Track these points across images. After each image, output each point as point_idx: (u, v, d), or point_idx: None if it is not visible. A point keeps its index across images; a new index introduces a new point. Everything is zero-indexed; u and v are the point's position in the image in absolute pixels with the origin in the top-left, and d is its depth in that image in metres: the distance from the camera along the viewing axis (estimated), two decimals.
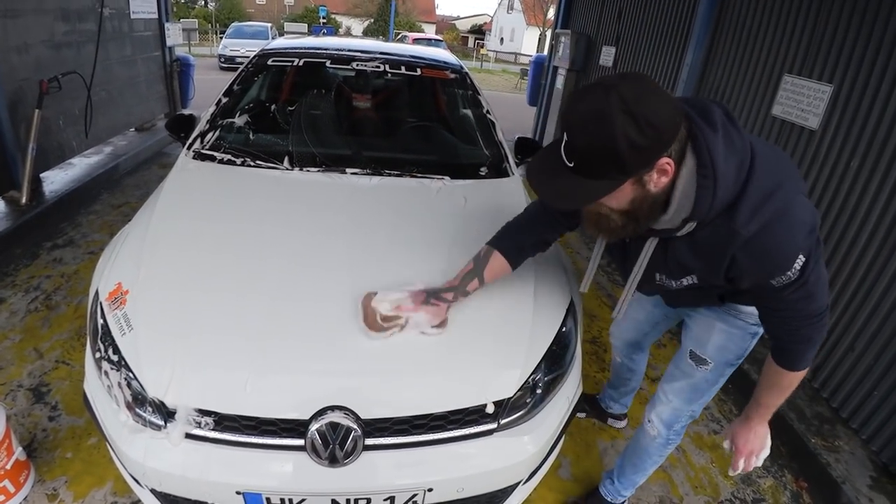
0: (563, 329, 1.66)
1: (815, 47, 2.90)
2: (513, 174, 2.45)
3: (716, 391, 1.64)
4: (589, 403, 2.49)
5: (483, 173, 2.38)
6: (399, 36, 25.35)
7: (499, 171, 2.43)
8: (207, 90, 7.45)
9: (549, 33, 8.21)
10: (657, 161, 0.98)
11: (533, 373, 1.50)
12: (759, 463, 1.44)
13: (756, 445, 1.41)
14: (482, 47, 39.18)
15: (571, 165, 0.99)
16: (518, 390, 1.46)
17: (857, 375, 2.49)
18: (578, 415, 2.47)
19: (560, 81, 6.74)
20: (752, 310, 1.43)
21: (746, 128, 3.33)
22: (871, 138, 2.51)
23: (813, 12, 2.94)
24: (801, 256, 1.05)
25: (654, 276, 1.32)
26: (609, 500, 1.97)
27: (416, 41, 20.99)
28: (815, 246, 1.07)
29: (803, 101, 2.93)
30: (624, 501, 2.00)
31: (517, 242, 1.53)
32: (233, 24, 18.73)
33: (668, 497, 2.17)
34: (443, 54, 3.26)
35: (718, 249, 1.10)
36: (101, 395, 1.44)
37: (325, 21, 25.17)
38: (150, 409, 1.34)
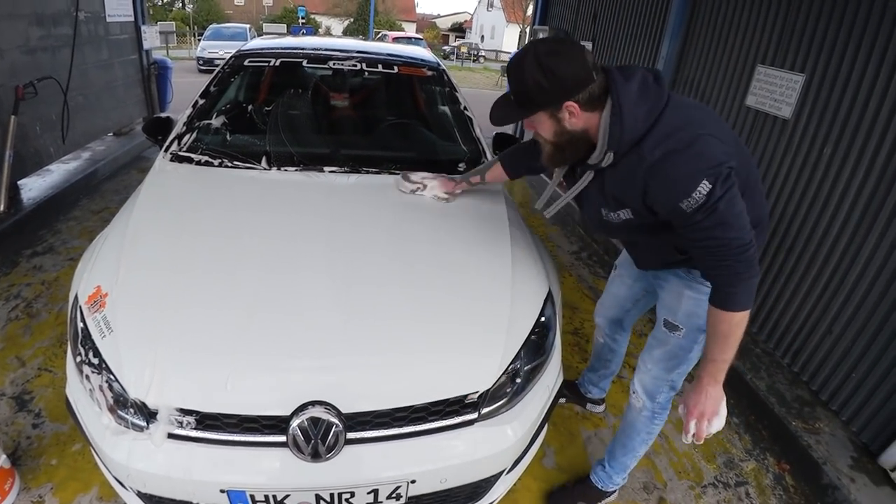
0: (542, 318, 1.68)
1: (787, 37, 2.95)
2: None
3: (692, 360, 1.67)
4: (569, 389, 2.53)
5: (461, 169, 2.40)
6: (379, 35, 25.27)
7: (477, 166, 2.45)
8: (186, 93, 7.37)
9: (528, 30, 8.23)
10: (563, 103, 1.28)
11: (512, 362, 1.52)
12: (713, 430, 1.40)
13: (707, 408, 1.38)
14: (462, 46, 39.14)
15: (512, 99, 1.36)
16: (498, 380, 1.48)
17: (836, 358, 2.54)
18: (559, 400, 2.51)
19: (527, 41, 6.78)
20: None
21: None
22: (842, 126, 2.57)
23: (784, 3, 2.99)
24: (705, 182, 1.19)
25: (599, 210, 1.51)
26: (600, 487, 2.00)
27: (397, 40, 20.94)
28: (724, 176, 1.21)
29: (776, 90, 2.98)
30: (615, 490, 2.03)
31: (515, 159, 1.98)
32: (211, 25, 18.59)
33: (653, 483, 2.20)
34: (419, 52, 3.27)
35: (633, 176, 1.31)
36: (84, 398, 1.44)
37: (304, 21, 25.07)
38: (131, 410, 1.35)
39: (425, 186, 2.09)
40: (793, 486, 2.29)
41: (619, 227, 1.51)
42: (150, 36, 6.37)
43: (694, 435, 1.40)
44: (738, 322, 1.30)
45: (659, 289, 1.73)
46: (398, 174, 2.24)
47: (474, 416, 1.46)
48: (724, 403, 1.40)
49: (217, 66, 3.01)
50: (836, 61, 2.62)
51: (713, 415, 1.39)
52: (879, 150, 2.37)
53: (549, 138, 1.39)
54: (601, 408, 2.54)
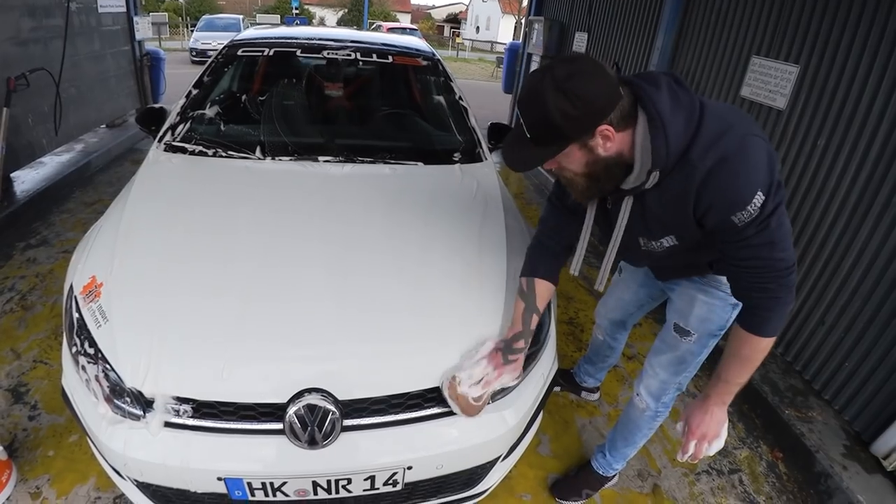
0: None
1: (782, 29, 2.95)
2: (486, 159, 2.48)
3: (700, 363, 1.66)
4: (564, 378, 2.56)
5: (457, 159, 2.40)
6: (374, 26, 25.14)
7: (472, 156, 2.46)
8: (179, 84, 7.32)
9: (524, 21, 8.21)
10: (596, 128, 1.11)
11: None
12: (710, 452, 1.37)
13: (710, 430, 1.34)
14: (458, 36, 39.02)
15: (529, 137, 1.15)
16: None
17: (829, 348, 2.56)
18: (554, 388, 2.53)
19: (535, 68, 6.76)
20: None
21: None
22: (836, 117, 2.58)
23: None
24: (759, 193, 1.09)
25: (637, 241, 1.37)
26: (601, 473, 2.02)
27: (391, 31, 20.83)
28: (775, 188, 1.11)
29: (771, 81, 2.98)
30: (615, 475, 2.06)
31: (547, 260, 1.58)
32: (204, 16, 18.44)
33: (647, 470, 2.22)
34: (414, 41, 3.26)
35: (683, 192, 1.16)
36: (80, 389, 1.44)
37: (297, 12, 24.88)
38: (128, 399, 1.35)
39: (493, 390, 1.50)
40: (786, 474, 2.32)
41: (660, 256, 1.41)
42: (143, 27, 6.33)
43: (690, 455, 1.37)
44: (763, 348, 1.24)
45: (670, 292, 1.69)
46: (393, 164, 2.24)
47: None
48: (726, 426, 1.37)
49: (210, 57, 2.99)
50: (831, 53, 2.63)
51: (714, 437, 1.36)
52: (873, 141, 2.38)
53: (581, 170, 1.21)
54: (596, 396, 2.56)
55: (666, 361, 1.67)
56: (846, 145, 2.52)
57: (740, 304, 1.38)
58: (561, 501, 2.02)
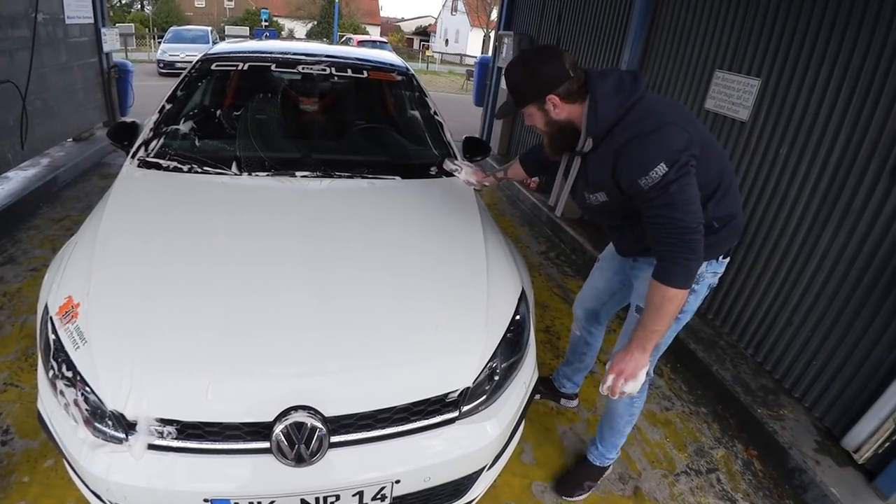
0: (517, 317, 1.72)
1: (744, 43, 3.07)
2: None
3: (664, 346, 1.84)
4: (543, 385, 2.60)
5: (433, 172, 2.43)
6: (343, 38, 25.10)
7: (443, 161, 2.49)
8: (147, 97, 7.24)
9: (493, 34, 8.29)
10: (545, 96, 1.53)
11: (490, 360, 1.56)
12: (627, 390, 1.52)
13: (628, 368, 1.51)
14: (428, 49, 39.17)
15: (508, 96, 1.64)
16: (477, 378, 1.51)
17: (797, 348, 2.65)
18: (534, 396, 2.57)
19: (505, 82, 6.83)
20: None
21: None
22: (797, 126, 2.69)
23: (741, 10, 3.11)
24: (662, 164, 1.37)
25: (583, 195, 1.70)
26: (598, 464, 2.14)
27: (361, 43, 20.82)
28: (679, 165, 1.38)
29: (734, 94, 3.09)
30: (610, 464, 2.16)
31: (529, 158, 2.18)
32: (171, 28, 18.18)
33: (627, 473, 2.27)
34: (389, 56, 3.29)
35: (606, 157, 1.51)
36: (58, 412, 1.41)
37: (267, 24, 24.70)
38: (109, 422, 1.33)
39: (461, 170, 2.39)
40: (761, 471, 2.38)
41: (599, 209, 1.70)
42: (111, 38, 6.22)
43: (609, 387, 1.54)
44: (670, 297, 1.43)
45: (634, 279, 1.88)
46: (371, 178, 2.27)
47: (455, 414, 1.49)
48: (644, 371, 1.53)
49: (178, 69, 2.97)
50: (791, 66, 2.74)
51: (630, 377, 1.52)
52: (833, 150, 2.50)
53: (542, 128, 1.63)
54: (574, 402, 2.60)
55: None
56: (807, 154, 2.63)
57: (698, 291, 1.77)
58: (567, 499, 2.10)
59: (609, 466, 2.17)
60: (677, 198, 1.39)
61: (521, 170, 2.22)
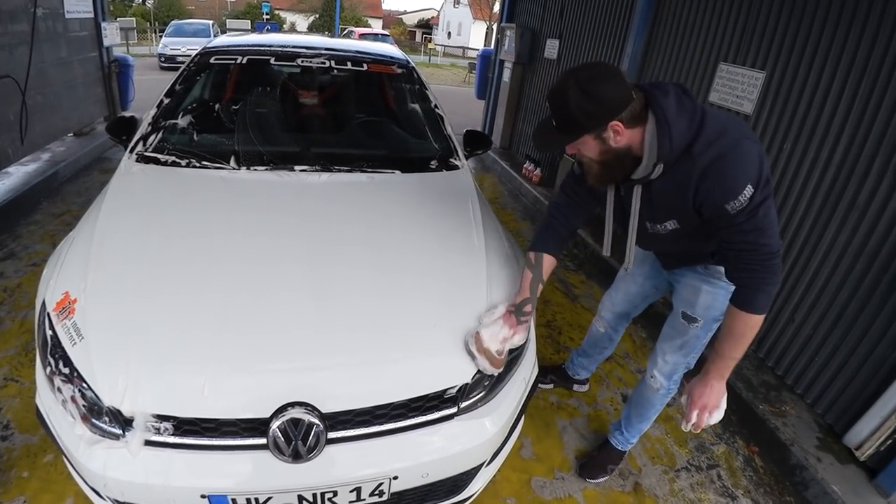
0: None
1: (749, 36, 3.04)
2: (462, 166, 2.50)
3: (705, 344, 1.84)
4: (554, 373, 2.64)
5: (433, 166, 2.41)
6: (345, 31, 25.02)
7: (448, 163, 2.47)
8: (148, 91, 7.21)
9: (495, 27, 8.26)
10: (608, 123, 1.34)
11: None
12: (712, 421, 1.51)
13: (711, 401, 1.50)
14: (430, 42, 39.04)
15: (555, 125, 1.39)
16: (475, 374, 1.50)
17: (799, 344, 2.64)
18: (545, 386, 2.63)
19: (507, 75, 6.84)
20: None
21: None
22: (802, 120, 2.67)
23: (745, 1, 3.08)
24: (749, 186, 1.29)
25: (645, 225, 1.59)
26: (620, 448, 2.21)
27: (363, 36, 20.75)
28: (763, 183, 1.30)
29: (738, 87, 3.07)
30: (630, 448, 2.23)
31: (554, 238, 1.78)
32: (172, 22, 18.11)
33: (628, 469, 2.26)
34: (389, 49, 3.27)
35: (684, 182, 1.37)
36: (56, 408, 1.41)
37: (268, 17, 24.65)
38: (106, 419, 1.32)
39: (484, 340, 1.55)
40: (762, 468, 2.38)
41: (664, 238, 1.60)
42: (111, 33, 6.20)
43: (693, 424, 1.51)
44: (753, 324, 1.40)
45: (675, 283, 1.87)
46: (370, 172, 2.25)
47: (453, 410, 1.48)
48: (724, 398, 1.51)
49: (179, 63, 2.95)
50: (796, 59, 2.72)
51: (714, 408, 1.50)
52: (837, 144, 2.47)
53: (595, 158, 1.44)
54: (586, 387, 2.67)
55: (677, 346, 1.85)
56: (811, 148, 2.60)
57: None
58: (591, 481, 2.17)
59: (626, 451, 2.23)
60: (764, 221, 1.32)
61: (553, 260, 1.78)
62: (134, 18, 21.83)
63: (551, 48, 5.86)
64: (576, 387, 2.65)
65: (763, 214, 1.32)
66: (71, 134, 5.69)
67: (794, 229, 2.69)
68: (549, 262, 1.75)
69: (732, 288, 1.58)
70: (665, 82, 1.43)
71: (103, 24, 5.99)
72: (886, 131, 2.26)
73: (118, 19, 8.00)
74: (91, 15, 5.76)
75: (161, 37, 17.65)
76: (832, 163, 2.49)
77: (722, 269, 1.61)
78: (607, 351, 2.45)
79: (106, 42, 6.09)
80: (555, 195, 1.86)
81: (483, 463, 1.59)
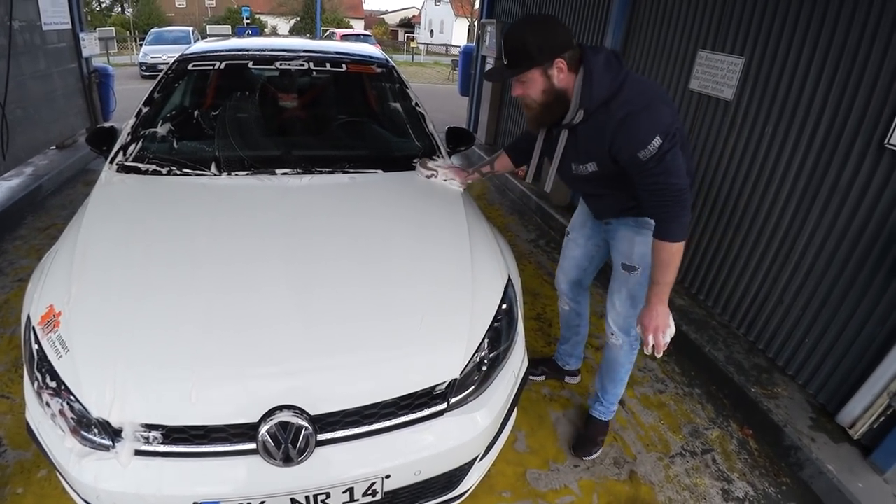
0: (504, 305, 1.72)
1: (727, 22, 3.05)
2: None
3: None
4: (545, 365, 2.67)
5: (416, 164, 2.41)
6: (327, 33, 24.90)
7: (432, 159, 2.46)
8: (130, 101, 7.12)
9: (477, 23, 8.24)
10: (554, 59, 1.56)
11: (477, 350, 1.55)
12: (667, 340, 1.67)
13: (660, 322, 1.66)
14: (412, 40, 38.90)
15: (506, 63, 1.63)
16: (465, 369, 1.50)
17: (788, 326, 2.66)
18: (536, 378, 2.65)
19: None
20: None
21: None
22: (782, 104, 2.68)
23: None
24: (658, 138, 1.50)
25: (570, 165, 1.79)
26: (604, 419, 2.29)
27: (345, 38, 20.68)
28: (671, 136, 1.52)
29: (718, 74, 3.08)
30: (613, 416, 2.31)
31: (516, 148, 2.18)
32: (152, 30, 18.00)
33: (622, 457, 2.27)
34: (368, 49, 3.26)
35: (602, 131, 1.60)
36: (45, 422, 1.40)
37: (248, 22, 24.52)
38: (96, 430, 1.32)
39: (437, 173, 2.29)
40: (756, 450, 2.40)
41: (586, 179, 1.79)
42: (90, 43, 6.14)
43: (654, 346, 1.68)
44: (675, 251, 1.60)
45: (611, 239, 2.03)
46: (352, 172, 2.24)
47: (443, 406, 1.48)
48: (671, 317, 1.69)
49: (160, 71, 2.92)
50: (774, 43, 2.73)
51: (665, 327, 1.67)
52: (818, 127, 2.49)
53: (538, 97, 1.65)
54: (578, 378, 2.68)
55: (624, 297, 1.99)
56: (793, 132, 2.62)
57: None
58: (586, 458, 2.22)
59: (611, 419, 2.32)
60: (671, 165, 1.53)
61: (508, 161, 2.20)
62: (113, 28, 21.58)
63: None
64: (567, 378, 2.67)
65: (670, 159, 1.53)
66: (53, 146, 5.64)
67: (779, 211, 2.71)
68: (504, 159, 2.20)
69: None
70: (602, 47, 1.64)
71: (82, 35, 5.93)
72: (866, 112, 2.28)
73: (97, 29, 7.92)
74: (69, 26, 5.71)
75: (141, 45, 17.53)
76: (814, 144, 2.51)
77: (651, 220, 1.77)
78: (581, 329, 2.50)
79: (85, 53, 6.03)
80: (518, 136, 2.23)
81: (476, 458, 1.59)
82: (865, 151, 2.28)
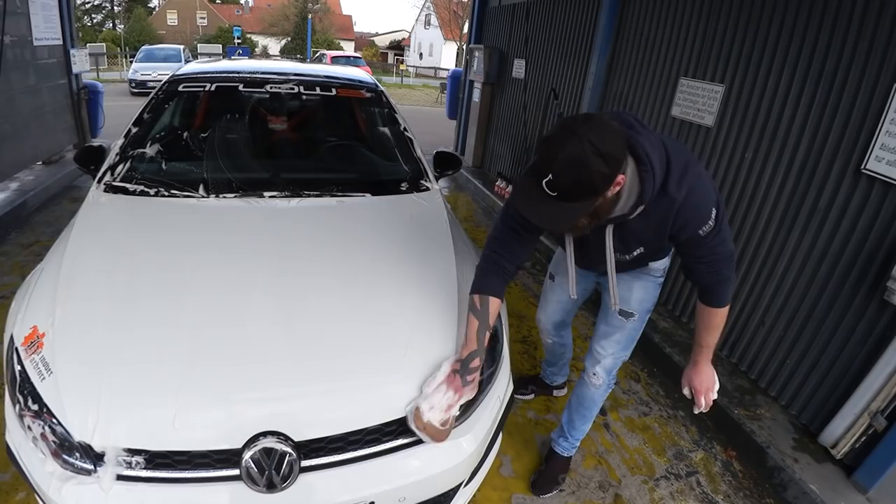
0: None
1: (707, 51, 3.14)
2: (432, 188, 2.52)
3: (640, 335, 1.98)
4: (534, 383, 2.70)
5: (404, 188, 2.43)
6: (317, 54, 25.05)
7: (419, 185, 2.49)
8: (118, 117, 7.12)
9: (465, 47, 8.36)
10: (616, 179, 1.24)
11: None
12: (715, 396, 1.72)
13: (709, 382, 1.71)
14: (402, 63, 39.22)
15: (555, 195, 1.22)
16: None
17: (770, 347, 2.70)
18: (526, 396, 2.67)
19: (477, 95, 6.93)
20: (658, 265, 1.85)
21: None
22: (761, 131, 2.75)
23: (703, 19, 3.18)
24: (714, 209, 1.41)
25: (612, 255, 1.60)
26: (567, 455, 2.23)
27: (335, 59, 20.81)
28: (720, 203, 1.43)
29: (699, 101, 3.16)
30: (574, 452, 2.25)
31: (500, 278, 1.64)
32: (143, 47, 18.01)
33: (607, 481, 2.27)
34: (357, 73, 3.29)
35: (664, 217, 1.42)
36: (26, 445, 1.38)
37: (239, 42, 24.63)
38: (77, 454, 1.30)
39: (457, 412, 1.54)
40: (741, 471, 2.41)
41: (629, 263, 1.71)
42: (80, 59, 6.15)
43: (705, 405, 1.72)
44: (724, 314, 1.61)
45: (606, 283, 1.80)
46: (341, 196, 2.26)
47: None
48: (715, 375, 1.73)
49: (150, 88, 2.93)
50: (753, 71, 2.81)
51: (713, 385, 1.72)
52: (796, 152, 2.56)
53: (587, 219, 1.37)
54: (564, 391, 2.74)
55: (616, 341, 1.95)
56: (772, 157, 2.69)
57: (663, 281, 1.91)
58: (545, 497, 2.15)
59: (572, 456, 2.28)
60: (725, 233, 1.47)
61: (498, 302, 1.63)
62: (104, 44, 21.65)
63: (518, 68, 5.96)
64: (555, 392, 2.72)
65: (724, 227, 1.45)
66: (40, 162, 5.61)
67: (759, 235, 2.76)
68: (495, 305, 1.60)
69: (660, 280, 1.89)
70: (626, 115, 1.41)
71: (72, 51, 5.94)
72: (843, 138, 2.35)
73: (88, 45, 7.96)
74: (60, 42, 5.72)
75: (132, 62, 17.52)
76: (793, 168, 2.58)
77: (649, 264, 1.81)
78: (567, 354, 2.53)
79: (75, 69, 6.03)
80: (496, 229, 1.66)
81: (461, 483, 1.59)
82: (842, 176, 2.35)
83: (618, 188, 1.28)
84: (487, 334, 1.58)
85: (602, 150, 1.16)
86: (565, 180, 1.19)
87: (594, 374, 2.00)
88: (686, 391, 1.76)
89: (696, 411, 1.74)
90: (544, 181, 1.21)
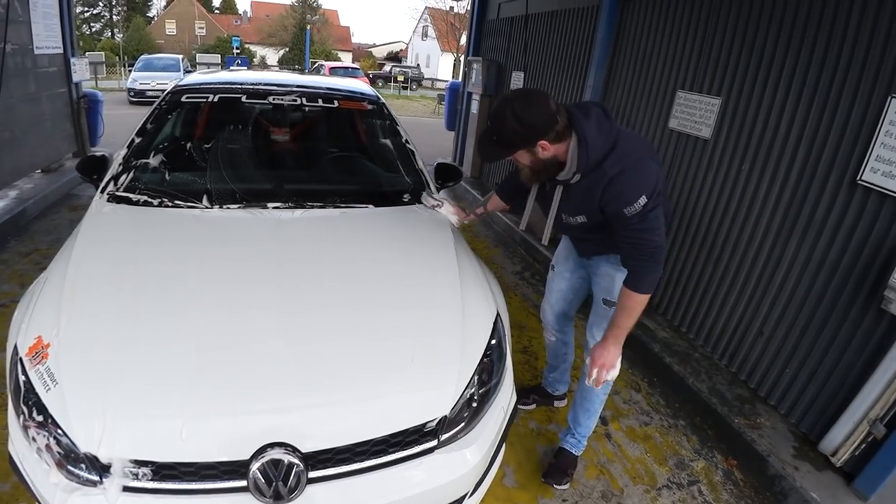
0: (493, 340, 1.74)
1: (704, 64, 3.17)
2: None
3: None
4: (536, 393, 2.72)
5: (406, 200, 2.45)
6: (315, 65, 25.14)
7: (420, 196, 2.50)
8: (117, 126, 7.15)
9: (462, 59, 8.41)
10: (537, 142, 1.64)
11: (467, 387, 1.56)
12: (609, 378, 1.81)
13: (607, 360, 1.79)
14: (400, 76, 39.21)
15: (495, 139, 1.70)
16: (455, 405, 1.52)
17: (769, 357, 2.72)
18: (527, 406, 2.69)
19: (475, 106, 6.96)
20: None
21: None
22: (758, 143, 2.79)
23: (700, 32, 3.22)
24: (643, 196, 1.61)
25: (561, 216, 1.88)
26: (575, 452, 2.30)
27: (333, 70, 20.87)
28: (655, 196, 1.64)
29: (696, 113, 3.19)
30: (581, 451, 2.33)
31: (506, 189, 2.30)
32: (142, 56, 18.03)
33: (610, 491, 2.28)
34: (359, 85, 3.31)
35: (595, 188, 1.69)
36: (30, 456, 1.38)
37: (238, 52, 24.69)
38: (83, 465, 1.30)
39: (442, 205, 2.42)
40: (742, 480, 2.42)
41: (574, 227, 1.91)
42: (80, 68, 6.15)
43: (594, 379, 1.81)
44: (640, 301, 1.74)
45: (594, 275, 2.15)
46: (344, 207, 2.28)
47: (434, 443, 1.49)
48: (619, 360, 1.82)
49: (149, 97, 2.94)
50: (749, 84, 2.84)
51: (611, 366, 1.80)
52: (793, 163, 2.59)
53: (527, 164, 1.75)
54: (564, 402, 2.73)
55: (603, 329, 1.98)
56: (769, 168, 2.72)
57: None
58: (557, 487, 2.24)
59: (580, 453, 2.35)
60: (653, 223, 1.66)
61: (499, 201, 2.34)
62: (103, 52, 21.66)
63: (517, 80, 6.00)
64: (556, 403, 2.74)
65: (652, 218, 1.65)
66: (39, 170, 5.60)
67: (757, 246, 2.78)
68: (496, 199, 2.35)
69: None
70: (589, 103, 1.75)
71: (73, 60, 5.94)
72: (839, 149, 2.38)
73: (87, 53, 7.97)
74: (60, 51, 5.73)
75: (130, 71, 17.54)
76: (790, 180, 2.61)
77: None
78: (568, 357, 2.58)
79: (75, 78, 6.04)
80: (504, 178, 2.34)
81: (466, 494, 1.59)
82: (839, 187, 2.38)
83: (547, 152, 1.67)
84: (481, 208, 2.42)
85: (518, 115, 1.59)
86: (492, 129, 1.69)
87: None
88: (587, 361, 1.86)
89: (587, 382, 1.84)
90: (491, 130, 1.70)
